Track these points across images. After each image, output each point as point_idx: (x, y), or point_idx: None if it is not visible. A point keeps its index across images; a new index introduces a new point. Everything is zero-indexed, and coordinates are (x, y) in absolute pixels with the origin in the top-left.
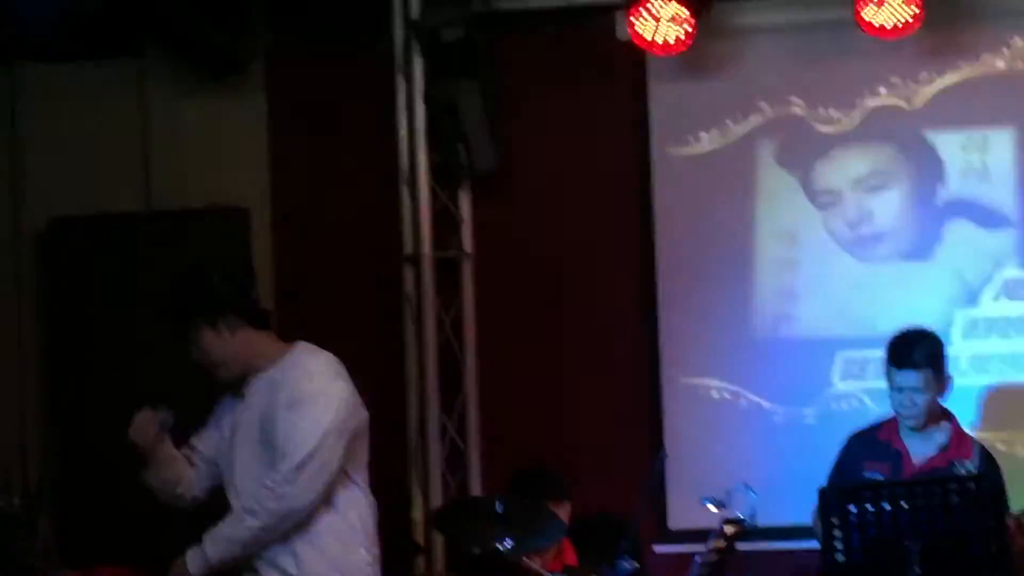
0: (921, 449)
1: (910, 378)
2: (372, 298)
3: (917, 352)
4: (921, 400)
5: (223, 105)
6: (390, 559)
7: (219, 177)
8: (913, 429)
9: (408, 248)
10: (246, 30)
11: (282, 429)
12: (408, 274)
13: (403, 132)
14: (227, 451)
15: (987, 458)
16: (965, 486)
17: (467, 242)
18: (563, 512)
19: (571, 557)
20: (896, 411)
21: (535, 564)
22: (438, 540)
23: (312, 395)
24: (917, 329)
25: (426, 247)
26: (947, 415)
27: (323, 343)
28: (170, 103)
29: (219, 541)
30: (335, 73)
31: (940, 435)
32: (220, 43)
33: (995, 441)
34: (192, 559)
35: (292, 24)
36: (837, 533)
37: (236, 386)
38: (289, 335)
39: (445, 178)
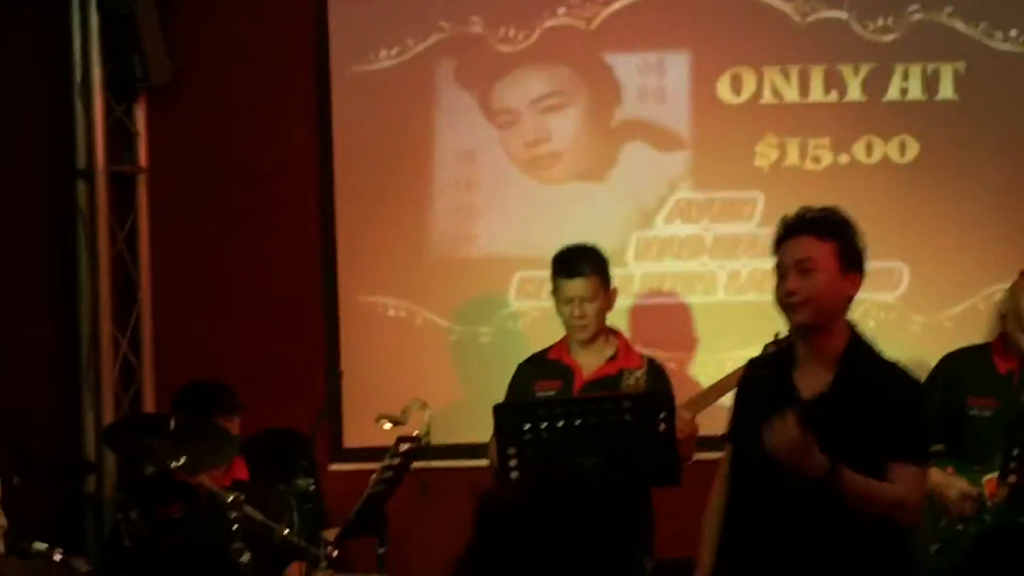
0: (591, 362)
1: (578, 286)
2: (44, 213)
3: (583, 261)
4: (590, 309)
5: None
6: (60, 477)
7: None
8: (582, 343)
9: (81, 162)
10: None
11: None
12: (81, 189)
13: (77, 43)
14: None
15: (656, 370)
16: (637, 403)
17: (142, 156)
18: (232, 427)
19: (242, 472)
20: (566, 323)
21: (205, 480)
22: (109, 458)
23: None
24: (579, 243)
25: (100, 161)
26: (614, 332)
27: None
28: None
29: None
30: None
31: (608, 348)
32: None
33: (667, 360)
34: None
35: None
36: (511, 451)
37: None
38: None
39: (120, 90)
